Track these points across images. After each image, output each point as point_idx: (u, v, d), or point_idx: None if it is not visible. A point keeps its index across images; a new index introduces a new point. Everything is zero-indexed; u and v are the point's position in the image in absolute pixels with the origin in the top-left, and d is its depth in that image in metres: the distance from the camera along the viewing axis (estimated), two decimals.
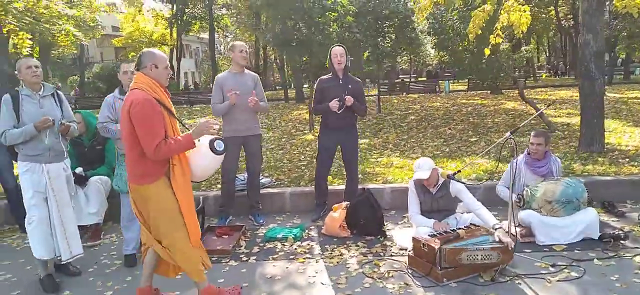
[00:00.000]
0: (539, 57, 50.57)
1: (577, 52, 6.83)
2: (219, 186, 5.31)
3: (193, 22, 35.58)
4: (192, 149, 3.00)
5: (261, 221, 5.01)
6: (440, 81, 28.13)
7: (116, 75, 4.27)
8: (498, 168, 5.63)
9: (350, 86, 4.76)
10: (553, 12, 30.09)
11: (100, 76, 29.83)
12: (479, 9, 8.46)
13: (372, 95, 16.81)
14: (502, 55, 16.44)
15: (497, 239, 3.52)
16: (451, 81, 27.81)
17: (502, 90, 18.90)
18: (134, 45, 36.82)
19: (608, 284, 3.26)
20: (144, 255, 3.19)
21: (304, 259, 3.99)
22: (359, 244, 4.25)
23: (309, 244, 4.33)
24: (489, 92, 19.48)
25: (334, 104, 4.63)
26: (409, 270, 3.61)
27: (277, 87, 36.55)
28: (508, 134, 3.99)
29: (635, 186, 5.17)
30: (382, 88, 23.70)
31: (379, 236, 4.40)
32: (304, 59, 13.73)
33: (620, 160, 6.05)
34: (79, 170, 4.71)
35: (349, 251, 4.10)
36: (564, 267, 3.52)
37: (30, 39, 14.43)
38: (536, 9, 25.29)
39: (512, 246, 3.48)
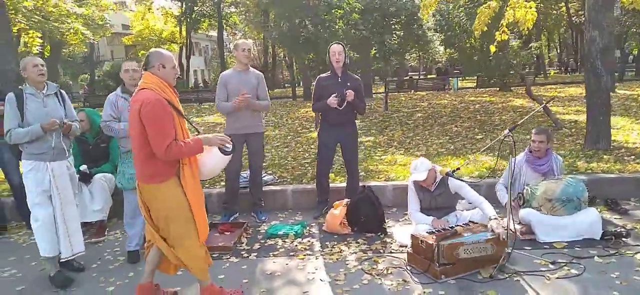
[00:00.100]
0: (550, 53, 50.13)
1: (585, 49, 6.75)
2: (223, 183, 5.35)
3: (202, 20, 35.75)
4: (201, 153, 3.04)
5: (263, 218, 5.05)
6: (449, 78, 27.94)
7: None
8: (498, 166, 5.61)
9: (349, 84, 4.77)
10: (564, 8, 29.78)
11: (111, 74, 30.24)
12: (484, 5, 8.40)
13: (379, 93, 16.75)
14: (510, 52, 16.31)
15: (490, 230, 3.52)
16: (460, 78, 27.59)
17: (511, 88, 18.73)
18: (143, 44, 37.04)
19: (608, 281, 3.23)
20: (148, 252, 3.23)
21: (304, 255, 4.01)
22: (359, 241, 4.27)
23: (309, 241, 4.35)
24: (497, 89, 19.30)
25: (331, 101, 4.65)
26: (408, 267, 3.62)
27: (286, 85, 36.61)
28: (506, 131, 3.98)
29: (639, 184, 5.12)
30: (391, 85, 23.66)
31: (379, 233, 4.41)
32: (311, 56, 13.76)
33: (626, 157, 5.98)
34: (83, 167, 4.78)
35: (349, 248, 4.12)
36: (563, 264, 3.50)
37: (40, 38, 14.58)
38: (546, 5, 25.03)
39: (504, 237, 3.48)
